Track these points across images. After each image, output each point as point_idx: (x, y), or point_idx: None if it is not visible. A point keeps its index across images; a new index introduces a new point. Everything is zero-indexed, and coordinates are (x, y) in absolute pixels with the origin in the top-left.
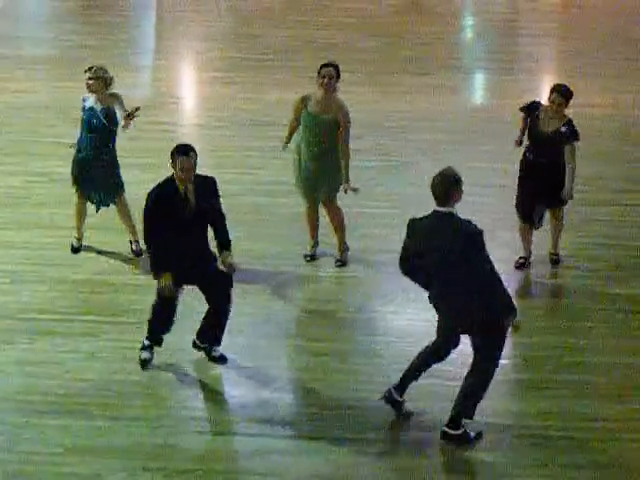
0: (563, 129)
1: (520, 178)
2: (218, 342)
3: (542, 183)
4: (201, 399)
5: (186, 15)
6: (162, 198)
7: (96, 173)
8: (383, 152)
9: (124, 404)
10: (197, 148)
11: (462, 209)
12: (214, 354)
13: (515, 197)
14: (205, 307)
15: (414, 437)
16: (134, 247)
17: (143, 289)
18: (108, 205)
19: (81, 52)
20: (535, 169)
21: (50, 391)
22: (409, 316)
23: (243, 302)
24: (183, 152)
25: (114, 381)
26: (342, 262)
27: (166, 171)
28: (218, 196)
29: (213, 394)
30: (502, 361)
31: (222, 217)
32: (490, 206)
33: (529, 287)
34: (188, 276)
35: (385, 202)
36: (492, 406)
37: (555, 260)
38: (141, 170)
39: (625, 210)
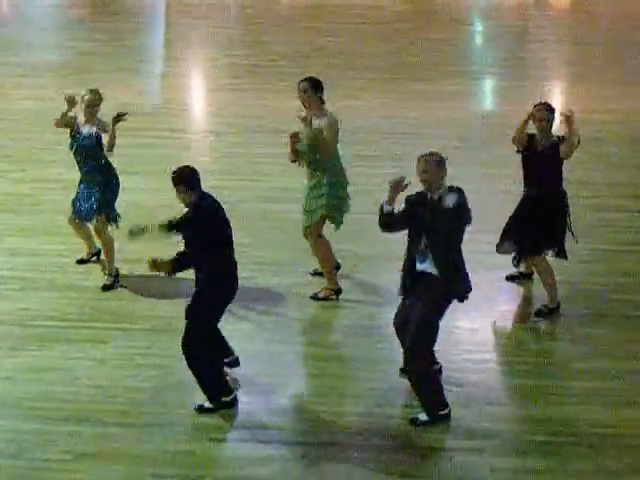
0: (554, 139)
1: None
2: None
3: (537, 219)
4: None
5: (195, 22)
6: None
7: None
8: (392, 158)
9: (134, 411)
10: (205, 155)
11: (472, 213)
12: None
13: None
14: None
15: (423, 443)
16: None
17: (153, 296)
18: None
19: (90, 59)
20: (532, 203)
21: (60, 397)
22: None
23: (252, 309)
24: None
25: (124, 387)
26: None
27: None
28: (188, 227)
29: None
30: (510, 367)
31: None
32: (498, 211)
33: (538, 293)
34: None
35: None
36: (501, 412)
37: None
38: (148, 177)
39: (635, 216)
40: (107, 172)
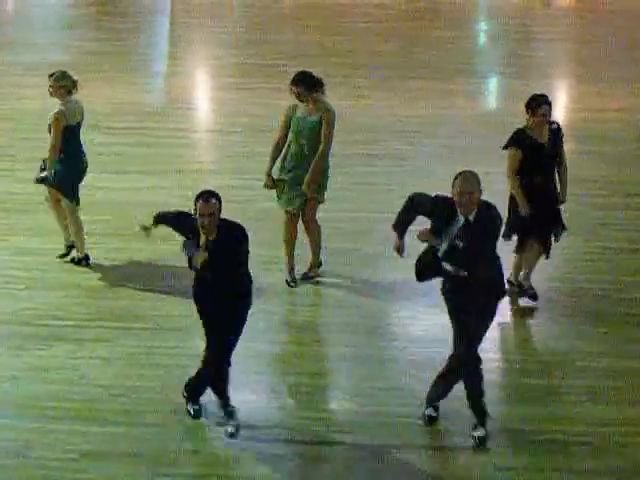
0: (553, 126)
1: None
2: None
3: (544, 208)
4: (215, 404)
5: (200, 21)
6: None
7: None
8: (397, 157)
9: (139, 410)
10: (211, 154)
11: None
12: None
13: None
14: None
15: (427, 442)
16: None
17: (157, 295)
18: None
19: (95, 58)
20: (541, 192)
21: (65, 397)
22: (426, 321)
23: (255, 308)
24: (203, 198)
25: (129, 387)
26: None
27: (179, 176)
28: (240, 244)
29: None
30: (515, 366)
31: (235, 265)
32: (500, 210)
33: (542, 292)
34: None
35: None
36: (506, 411)
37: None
38: (154, 176)
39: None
40: (71, 152)
